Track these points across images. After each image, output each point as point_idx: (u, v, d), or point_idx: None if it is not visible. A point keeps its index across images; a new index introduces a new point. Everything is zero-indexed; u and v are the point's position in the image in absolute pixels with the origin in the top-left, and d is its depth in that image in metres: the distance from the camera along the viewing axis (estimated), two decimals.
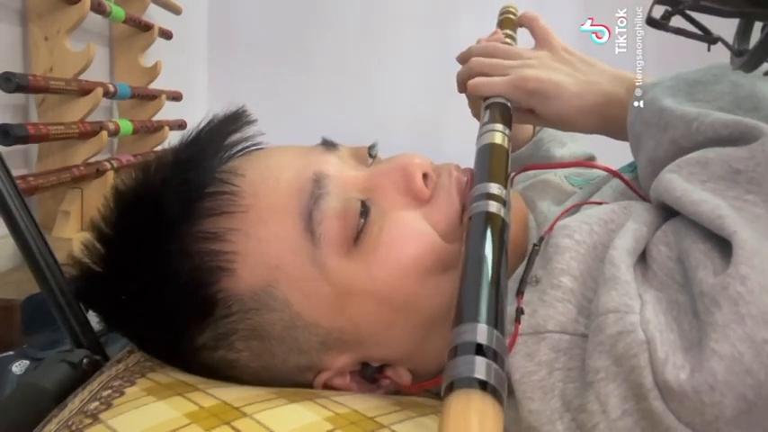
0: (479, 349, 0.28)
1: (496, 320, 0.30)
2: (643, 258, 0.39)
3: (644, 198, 0.47)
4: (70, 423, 0.37)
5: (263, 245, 0.41)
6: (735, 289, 0.31)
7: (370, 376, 0.44)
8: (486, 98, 0.55)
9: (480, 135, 0.49)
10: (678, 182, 0.38)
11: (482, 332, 0.28)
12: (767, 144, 0.37)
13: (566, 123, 0.55)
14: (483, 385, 0.26)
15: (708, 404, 0.30)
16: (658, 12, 0.37)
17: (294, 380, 0.43)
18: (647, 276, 0.37)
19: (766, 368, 0.30)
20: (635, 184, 0.49)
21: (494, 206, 0.38)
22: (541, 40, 0.59)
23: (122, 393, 0.40)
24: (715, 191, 0.37)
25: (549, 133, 0.74)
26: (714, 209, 0.35)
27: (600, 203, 0.47)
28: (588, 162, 0.61)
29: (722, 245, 0.34)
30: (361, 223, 0.41)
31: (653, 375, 0.31)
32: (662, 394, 0.31)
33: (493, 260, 0.34)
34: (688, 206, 0.37)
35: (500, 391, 0.26)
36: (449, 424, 0.25)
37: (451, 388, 0.26)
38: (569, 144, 0.74)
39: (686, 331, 0.33)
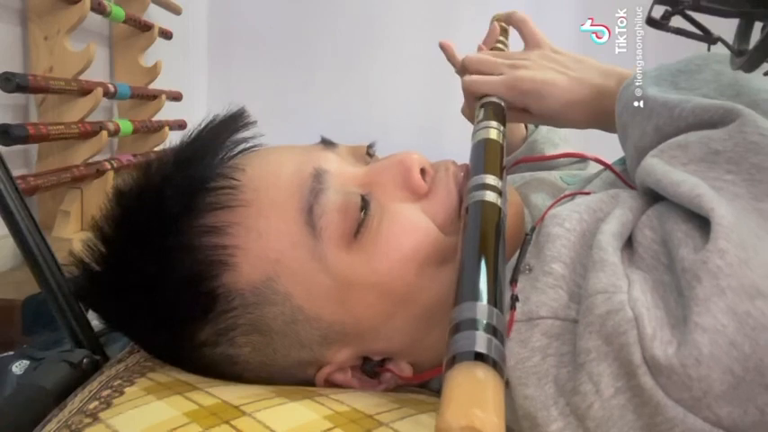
0: (479, 325, 0.28)
1: (495, 299, 0.30)
2: (630, 244, 0.39)
3: (632, 188, 0.48)
4: (70, 423, 0.37)
5: (263, 239, 0.41)
6: (714, 263, 0.32)
7: (370, 371, 0.44)
8: (480, 97, 0.56)
9: (475, 132, 0.49)
10: (660, 165, 0.40)
11: (482, 310, 0.29)
12: (744, 124, 0.38)
13: (559, 119, 0.57)
14: (484, 358, 0.26)
15: (695, 378, 0.30)
16: (658, 12, 0.37)
17: (295, 375, 0.43)
18: (633, 260, 0.38)
19: (750, 340, 0.30)
20: (625, 175, 0.50)
21: (490, 195, 0.39)
22: (531, 42, 0.60)
23: (122, 393, 0.40)
24: (696, 172, 0.38)
25: (542, 135, 0.75)
26: (693, 188, 0.36)
27: (589, 193, 0.48)
28: (579, 153, 0.62)
29: (703, 224, 0.35)
30: (361, 217, 0.42)
31: (641, 351, 0.32)
32: (650, 370, 0.31)
33: (489, 243, 0.35)
34: (669, 188, 0.38)
35: (501, 364, 0.26)
36: (452, 396, 0.25)
37: (453, 362, 0.26)
38: (561, 145, 0.75)
39: (672, 308, 0.33)
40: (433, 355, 0.45)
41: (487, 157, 0.45)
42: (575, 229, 0.41)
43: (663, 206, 0.39)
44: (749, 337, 0.30)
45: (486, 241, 0.35)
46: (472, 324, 0.28)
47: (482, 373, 0.25)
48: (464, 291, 0.31)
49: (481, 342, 0.27)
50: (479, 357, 0.26)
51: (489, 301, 0.30)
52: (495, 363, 0.26)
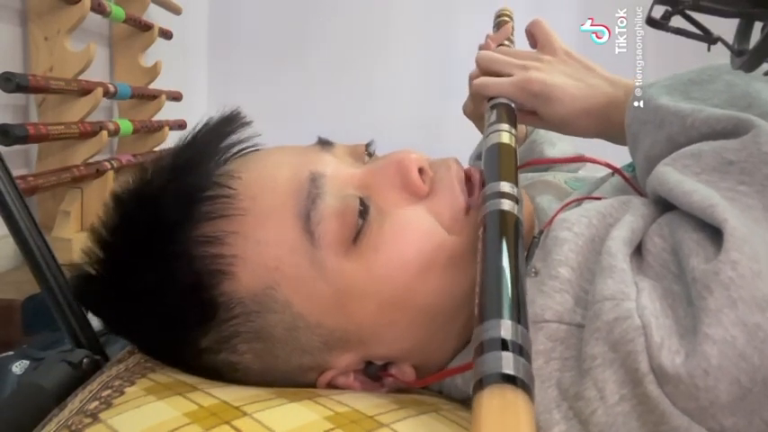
0: (505, 345, 0.28)
1: (519, 316, 0.30)
2: (639, 251, 0.39)
3: (642, 194, 0.47)
4: (70, 423, 0.37)
5: (261, 247, 0.41)
6: (726, 274, 0.32)
7: (373, 374, 0.44)
8: (490, 98, 0.56)
9: (487, 135, 0.49)
10: (672, 174, 0.39)
11: (506, 328, 0.29)
12: (758, 135, 0.38)
13: (567, 126, 0.56)
14: (513, 380, 0.26)
15: (702, 389, 0.30)
16: (658, 12, 0.37)
17: (297, 380, 0.43)
18: (642, 268, 0.38)
19: (760, 352, 0.30)
20: (634, 181, 0.50)
21: (507, 204, 0.39)
22: (544, 44, 0.60)
23: (122, 393, 0.40)
24: (708, 182, 0.38)
25: (540, 135, 0.75)
26: (705, 198, 0.36)
27: (599, 198, 0.48)
28: (590, 158, 0.61)
29: (715, 234, 0.35)
30: (360, 222, 0.41)
31: (649, 360, 0.32)
32: (657, 379, 0.31)
33: (510, 257, 0.35)
34: (681, 197, 0.38)
35: (529, 385, 0.27)
36: (483, 421, 0.25)
37: (481, 385, 0.26)
38: (559, 144, 0.75)
39: (681, 318, 0.33)
40: (436, 358, 0.45)
41: (502, 162, 0.45)
42: (583, 233, 0.40)
43: (674, 215, 0.39)
44: (758, 349, 0.30)
45: (507, 255, 0.35)
46: (498, 344, 0.28)
47: (512, 395, 0.26)
48: (487, 308, 0.31)
49: (508, 363, 0.27)
50: (508, 379, 0.26)
51: (513, 318, 0.30)
52: (524, 384, 0.26)
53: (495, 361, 0.27)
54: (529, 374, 0.27)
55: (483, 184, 0.43)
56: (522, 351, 0.28)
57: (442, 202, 0.45)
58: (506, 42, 0.65)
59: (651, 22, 0.38)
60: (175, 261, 0.40)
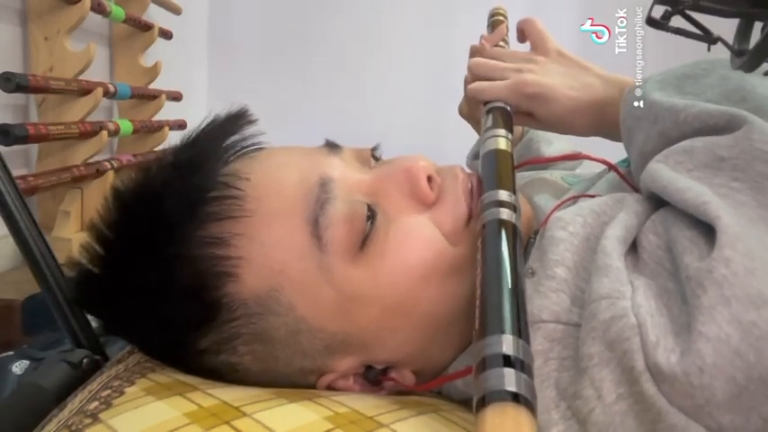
0: (507, 361, 0.28)
1: (520, 330, 0.30)
2: (634, 248, 0.39)
3: (637, 190, 0.47)
4: (70, 423, 0.37)
5: (267, 249, 0.40)
6: (719, 272, 0.32)
7: (373, 378, 0.44)
8: (486, 102, 0.56)
9: (484, 140, 0.49)
10: (665, 171, 0.39)
11: (508, 343, 0.29)
12: (751, 132, 0.37)
13: (563, 126, 0.56)
14: (515, 397, 0.27)
15: (698, 387, 0.30)
16: (658, 12, 0.37)
17: (297, 382, 0.43)
18: (637, 266, 0.38)
19: (755, 349, 0.30)
20: (629, 177, 0.50)
21: (505, 213, 0.39)
22: (538, 45, 0.60)
23: (122, 393, 0.40)
24: (701, 179, 0.38)
25: (537, 133, 0.75)
26: (698, 196, 0.36)
27: (593, 196, 0.48)
28: (585, 155, 0.62)
29: (708, 231, 0.35)
30: (368, 228, 0.41)
31: (644, 358, 0.32)
32: (653, 377, 0.31)
33: (511, 268, 0.35)
34: (674, 194, 0.38)
35: (532, 401, 0.27)
36: None
37: (484, 402, 0.27)
38: (555, 142, 0.75)
39: (676, 316, 0.33)
40: (436, 362, 0.45)
41: (499, 170, 0.45)
42: (578, 232, 0.40)
43: (667, 212, 0.39)
44: (754, 346, 0.30)
45: (508, 267, 0.35)
46: (500, 360, 0.28)
47: (515, 412, 0.26)
48: (488, 322, 0.31)
49: (511, 380, 0.27)
50: (511, 396, 0.27)
51: (514, 332, 0.30)
52: (526, 401, 0.26)
53: (497, 378, 0.27)
54: (531, 390, 0.27)
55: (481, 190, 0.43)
56: (523, 367, 0.28)
57: (446, 211, 0.45)
58: (501, 43, 0.66)
59: (651, 22, 0.38)
60: (178, 261, 0.40)
